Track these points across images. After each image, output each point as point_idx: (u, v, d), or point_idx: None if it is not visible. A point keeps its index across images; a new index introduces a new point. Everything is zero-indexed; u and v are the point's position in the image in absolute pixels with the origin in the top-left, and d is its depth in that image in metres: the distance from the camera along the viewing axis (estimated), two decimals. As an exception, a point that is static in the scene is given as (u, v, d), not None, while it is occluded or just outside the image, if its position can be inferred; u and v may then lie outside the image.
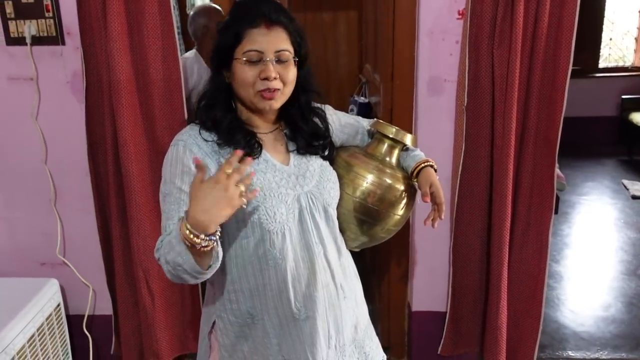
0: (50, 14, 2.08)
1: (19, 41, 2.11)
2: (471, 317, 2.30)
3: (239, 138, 1.27)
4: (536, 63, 1.97)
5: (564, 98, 1.97)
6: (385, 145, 1.53)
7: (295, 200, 1.30)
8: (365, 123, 1.60)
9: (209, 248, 1.08)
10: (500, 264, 2.11)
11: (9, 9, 2.08)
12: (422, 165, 1.50)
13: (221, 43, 1.27)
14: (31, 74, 2.15)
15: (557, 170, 2.11)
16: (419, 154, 1.56)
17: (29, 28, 2.08)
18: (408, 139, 1.53)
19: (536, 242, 2.16)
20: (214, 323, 1.38)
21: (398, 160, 1.56)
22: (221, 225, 1.11)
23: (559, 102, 1.98)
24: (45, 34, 2.10)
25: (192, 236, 1.05)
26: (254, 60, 1.23)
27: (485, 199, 2.14)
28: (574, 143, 4.89)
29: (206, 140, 1.28)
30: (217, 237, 1.10)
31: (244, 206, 1.09)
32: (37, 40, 2.11)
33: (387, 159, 1.53)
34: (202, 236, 1.06)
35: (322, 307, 1.31)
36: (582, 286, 3.31)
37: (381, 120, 1.58)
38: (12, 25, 2.10)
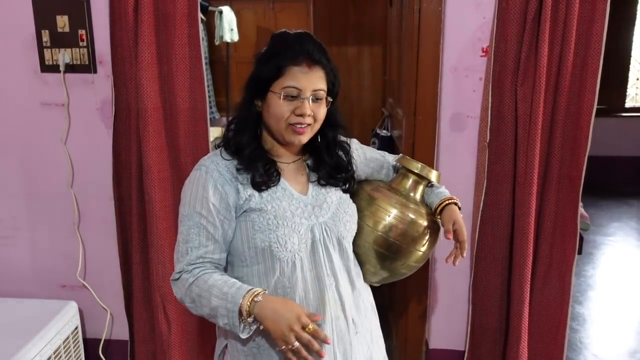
0: (84, 43, 2.15)
1: (53, 68, 2.19)
2: (490, 358, 2.25)
3: (258, 166, 1.30)
4: (560, 102, 1.96)
5: (589, 137, 1.96)
6: (410, 180, 1.53)
7: (308, 230, 1.31)
8: (391, 158, 1.61)
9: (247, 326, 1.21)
10: (521, 304, 2.07)
11: (45, 37, 2.16)
12: (446, 202, 1.49)
13: (260, 73, 1.29)
14: (63, 100, 2.22)
15: (582, 210, 2.08)
16: (444, 191, 1.56)
17: (63, 56, 2.16)
18: (433, 176, 1.53)
19: (558, 282, 2.11)
20: (225, 346, 1.39)
21: (422, 196, 1.55)
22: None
23: (583, 141, 1.97)
24: (79, 62, 2.18)
25: (248, 317, 1.18)
26: (292, 96, 1.26)
27: (506, 236, 2.11)
28: (599, 183, 4.82)
29: (226, 164, 1.31)
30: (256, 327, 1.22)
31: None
32: (70, 68, 2.18)
33: (412, 194, 1.53)
34: (252, 320, 1.19)
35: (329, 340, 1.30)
36: (606, 330, 3.20)
37: (407, 156, 1.59)
38: (47, 53, 2.18)
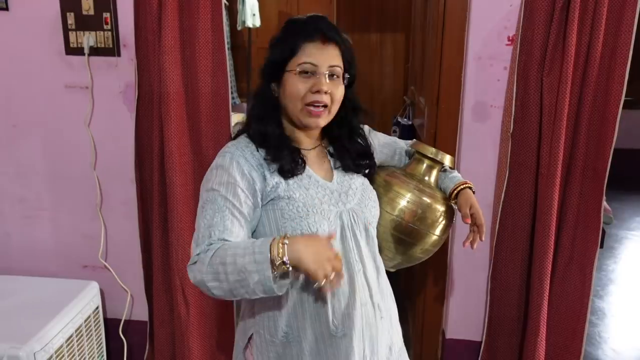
0: (109, 27, 2.17)
1: (78, 51, 2.21)
2: (507, 350, 2.24)
3: (285, 154, 1.28)
4: (587, 92, 1.92)
5: (615, 129, 1.92)
6: (425, 165, 1.54)
7: (337, 217, 1.30)
8: (403, 144, 1.62)
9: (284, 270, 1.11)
10: (541, 297, 2.05)
11: (70, 20, 2.18)
12: (461, 186, 1.51)
13: (274, 56, 1.28)
14: (87, 83, 2.23)
15: (604, 203, 2.04)
16: (457, 176, 1.56)
17: (88, 39, 2.17)
18: (447, 160, 1.54)
19: (579, 275, 2.09)
20: (250, 338, 1.37)
21: (436, 181, 1.56)
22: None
23: (609, 133, 1.93)
24: (103, 46, 2.19)
25: (282, 264, 1.09)
26: (308, 73, 1.25)
27: (527, 228, 2.09)
28: (623, 176, 4.72)
29: (251, 150, 1.29)
30: (291, 277, 1.14)
31: (320, 284, 1.12)
32: (95, 51, 2.20)
33: (426, 178, 1.54)
34: (287, 265, 1.09)
35: (359, 325, 1.29)
36: (626, 324, 3.17)
37: (420, 142, 1.60)
38: (72, 35, 2.20)
